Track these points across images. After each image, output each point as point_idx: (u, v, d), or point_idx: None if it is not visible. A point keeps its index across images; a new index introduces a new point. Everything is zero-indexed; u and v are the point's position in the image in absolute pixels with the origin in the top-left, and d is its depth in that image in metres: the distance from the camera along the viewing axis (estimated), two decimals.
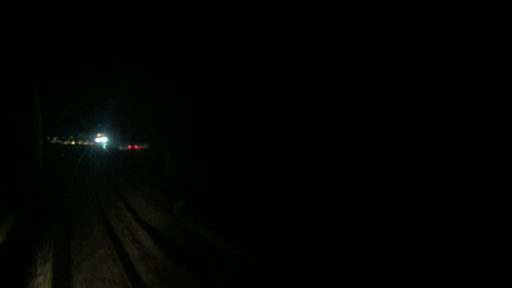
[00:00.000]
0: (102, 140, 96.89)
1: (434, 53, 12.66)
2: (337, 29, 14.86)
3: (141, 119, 46.99)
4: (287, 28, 17.42)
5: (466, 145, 11.81)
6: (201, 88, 25.57)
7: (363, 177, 13.86)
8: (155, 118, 38.52)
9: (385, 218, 9.92)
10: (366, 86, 14.72)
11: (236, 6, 19.79)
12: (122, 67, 41.54)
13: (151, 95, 37.07)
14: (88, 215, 11.63)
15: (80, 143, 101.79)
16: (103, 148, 76.95)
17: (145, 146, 47.88)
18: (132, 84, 41.67)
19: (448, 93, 12.35)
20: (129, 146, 54.84)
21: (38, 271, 6.44)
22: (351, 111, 15.29)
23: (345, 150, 15.28)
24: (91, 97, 45.87)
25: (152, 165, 29.91)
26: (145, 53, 34.56)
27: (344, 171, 14.69)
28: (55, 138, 62.28)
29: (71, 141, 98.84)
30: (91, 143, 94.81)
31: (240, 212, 11.76)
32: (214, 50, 22.36)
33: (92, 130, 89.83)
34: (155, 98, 35.84)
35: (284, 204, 12.44)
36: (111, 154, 54.54)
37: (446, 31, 12.23)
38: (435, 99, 12.83)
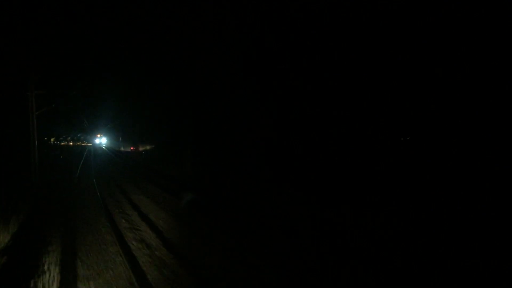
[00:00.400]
0: (101, 141, 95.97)
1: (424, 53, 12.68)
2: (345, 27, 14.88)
3: (142, 119, 47.03)
4: (287, 27, 17.45)
5: (458, 145, 11.83)
6: (201, 88, 25.58)
7: (362, 178, 13.86)
8: (156, 118, 38.54)
9: (385, 218, 9.91)
10: (365, 87, 14.74)
11: (236, 6, 19.81)
12: (122, 67, 41.59)
13: (152, 95, 37.08)
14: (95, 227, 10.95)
15: (78, 143, 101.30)
16: (103, 149, 76.47)
17: (147, 147, 47.95)
18: (133, 84, 41.73)
19: (439, 93, 12.36)
20: (132, 148, 54.41)
21: None
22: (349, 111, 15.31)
23: (345, 151, 15.29)
24: (90, 97, 45.82)
25: (154, 165, 29.79)
26: (145, 53, 34.58)
27: (344, 171, 14.70)
28: (52, 139, 62.12)
29: (68, 142, 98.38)
30: (90, 144, 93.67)
31: (240, 212, 11.76)
32: (214, 50, 22.37)
33: (91, 130, 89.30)
34: (156, 98, 35.85)
35: (285, 204, 12.44)
36: (112, 154, 54.28)
37: (446, 30, 12.24)
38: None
